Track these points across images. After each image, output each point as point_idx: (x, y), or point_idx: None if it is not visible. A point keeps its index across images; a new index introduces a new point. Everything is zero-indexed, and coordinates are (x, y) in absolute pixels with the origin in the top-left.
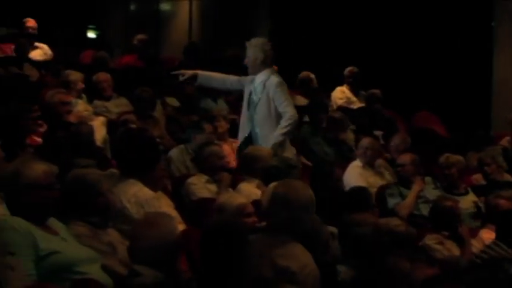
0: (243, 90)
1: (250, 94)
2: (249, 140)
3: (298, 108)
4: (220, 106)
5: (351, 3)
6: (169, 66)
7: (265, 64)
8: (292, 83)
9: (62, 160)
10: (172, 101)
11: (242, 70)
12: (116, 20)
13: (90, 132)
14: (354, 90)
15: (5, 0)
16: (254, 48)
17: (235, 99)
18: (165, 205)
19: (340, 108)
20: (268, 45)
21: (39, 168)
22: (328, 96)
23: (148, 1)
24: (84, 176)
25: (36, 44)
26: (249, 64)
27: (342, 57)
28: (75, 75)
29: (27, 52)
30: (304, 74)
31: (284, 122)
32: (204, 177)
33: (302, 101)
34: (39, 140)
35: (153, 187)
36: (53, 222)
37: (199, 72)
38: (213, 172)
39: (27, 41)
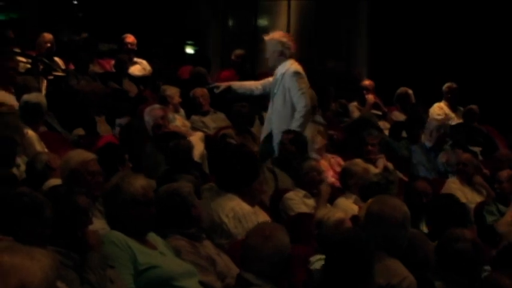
0: None
1: (273, 87)
2: (271, 134)
3: (396, 124)
4: (318, 121)
5: (448, 20)
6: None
7: (284, 55)
8: (390, 99)
9: (161, 175)
10: None
11: (340, 84)
12: (214, 36)
13: (189, 147)
14: (452, 106)
15: (105, 16)
16: (271, 41)
17: (332, 114)
18: (262, 220)
19: None
20: (286, 37)
21: (138, 184)
22: (426, 112)
23: (246, 17)
24: (178, 189)
25: (136, 59)
26: (269, 57)
27: (440, 73)
28: (171, 90)
29: (127, 68)
30: (402, 89)
31: (297, 114)
32: (301, 192)
33: (400, 116)
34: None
35: (251, 202)
36: (152, 236)
37: (232, 83)
38: (312, 187)
39: (127, 57)
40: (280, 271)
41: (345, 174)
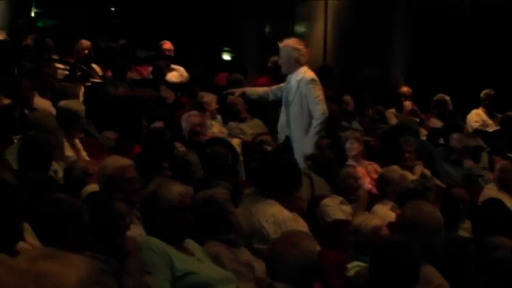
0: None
1: (287, 94)
2: (289, 140)
3: (433, 131)
4: (355, 127)
5: (486, 26)
6: None
7: (299, 63)
8: (427, 105)
9: (197, 182)
10: None
11: (377, 90)
12: (251, 42)
13: (226, 154)
14: (490, 113)
15: (143, 23)
16: (286, 47)
17: (370, 120)
18: (301, 226)
19: (476, 131)
20: (301, 44)
21: (175, 190)
22: (464, 119)
23: (283, 23)
24: (213, 196)
25: (173, 66)
26: (283, 64)
27: (477, 80)
28: (208, 97)
29: (164, 74)
30: (439, 96)
31: (315, 122)
32: (338, 199)
33: (437, 123)
34: None
35: (291, 208)
36: (189, 243)
37: (247, 89)
38: (349, 193)
39: (165, 64)
40: (308, 278)
41: (381, 181)
